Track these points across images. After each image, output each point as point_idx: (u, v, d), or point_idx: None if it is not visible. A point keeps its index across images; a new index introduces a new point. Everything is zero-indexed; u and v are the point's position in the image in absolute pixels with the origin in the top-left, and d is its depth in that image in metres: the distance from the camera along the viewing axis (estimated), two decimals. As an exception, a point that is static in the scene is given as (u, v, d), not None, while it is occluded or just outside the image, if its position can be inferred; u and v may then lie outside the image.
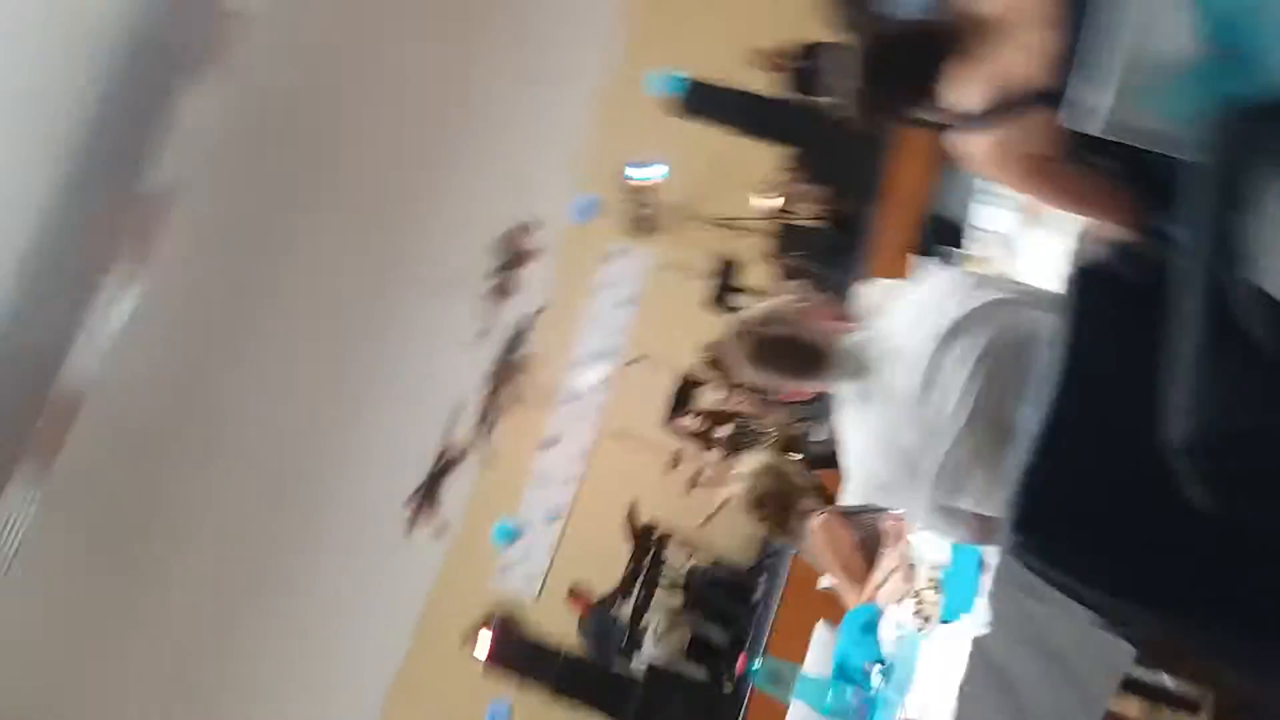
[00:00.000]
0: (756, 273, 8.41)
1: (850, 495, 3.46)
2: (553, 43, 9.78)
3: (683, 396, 7.71)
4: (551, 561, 9.22)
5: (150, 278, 7.84)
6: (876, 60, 1.92)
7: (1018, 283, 2.09)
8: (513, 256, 10.10)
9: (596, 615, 8.01)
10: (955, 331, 1.84)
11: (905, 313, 1.99)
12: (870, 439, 1.96)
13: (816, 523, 3.13)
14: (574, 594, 8.16)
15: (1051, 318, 1.74)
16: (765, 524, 3.31)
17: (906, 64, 1.88)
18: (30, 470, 7.35)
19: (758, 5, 9.49)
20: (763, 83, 8.11)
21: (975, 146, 1.78)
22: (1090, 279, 1.67)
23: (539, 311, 9.89)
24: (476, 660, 7.43)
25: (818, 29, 8.24)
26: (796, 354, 2.03)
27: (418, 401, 9.58)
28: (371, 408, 9.50)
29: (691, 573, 7.77)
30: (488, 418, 9.78)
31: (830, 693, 2.44)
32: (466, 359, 9.75)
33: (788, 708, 2.51)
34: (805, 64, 8.42)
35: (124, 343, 7.82)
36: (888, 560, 2.68)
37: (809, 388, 2.11)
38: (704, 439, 7.25)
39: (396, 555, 9.27)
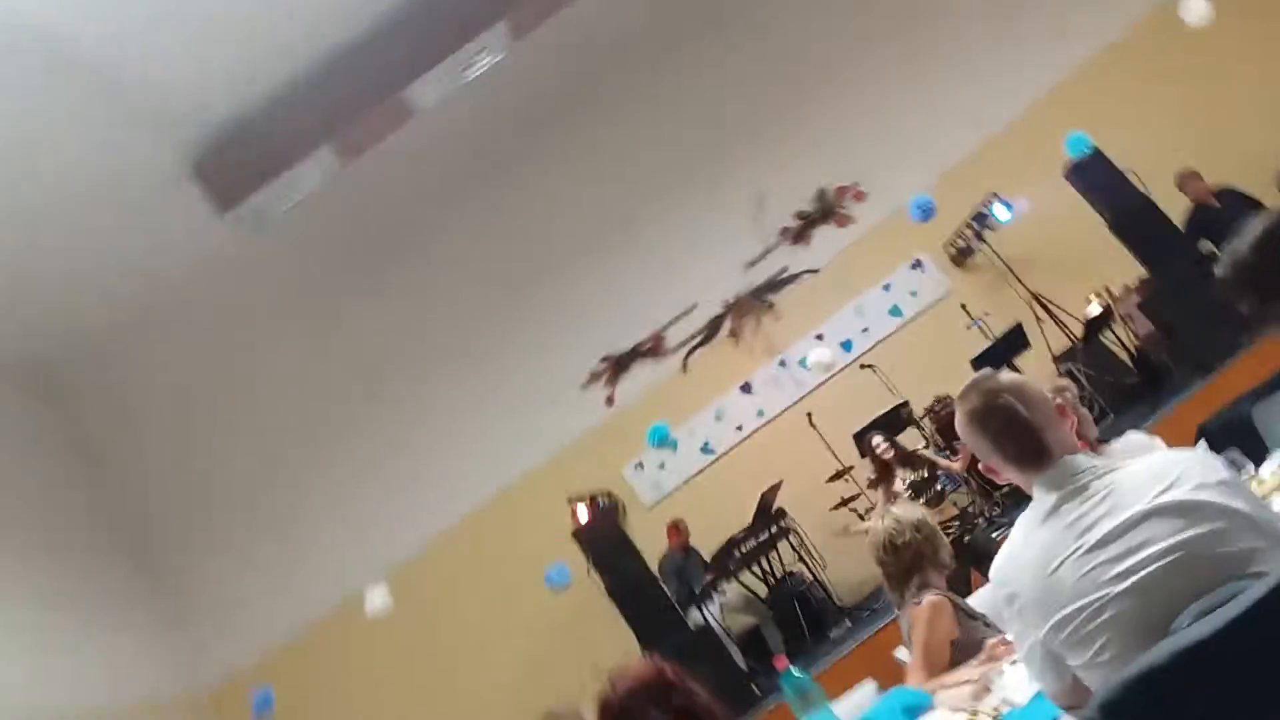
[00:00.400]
0: (1035, 361, 7.93)
1: (979, 597, 3.33)
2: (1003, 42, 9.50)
3: (890, 423, 7.48)
4: (681, 485, 9.43)
5: (518, 51, 8.28)
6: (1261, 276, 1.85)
7: (1274, 512, 1.86)
8: (824, 210, 10.00)
9: (685, 555, 8.14)
10: (1175, 507, 1.69)
11: (1151, 463, 1.84)
12: (1031, 553, 1.84)
13: (931, 599, 3.03)
14: (677, 526, 8.30)
15: (1278, 558, 1.60)
16: (885, 574, 3.23)
17: None
18: (331, 155, 7.94)
19: (1215, 132, 8.72)
20: (1164, 197, 7.45)
21: None
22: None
23: (811, 271, 9.81)
24: (566, 522, 7.72)
25: (1254, 181, 7.52)
26: (1020, 434, 1.92)
27: (668, 280, 9.83)
28: (636, 258, 9.89)
29: (789, 576, 7.69)
30: (707, 335, 9.93)
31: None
32: (727, 274, 9.88)
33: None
34: (1218, 206, 7.70)
35: (468, 92, 8.36)
36: (969, 671, 2.55)
37: (1010, 476, 1.98)
38: (884, 469, 7.06)
39: (565, 395, 9.72)
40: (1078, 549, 1.74)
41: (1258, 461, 2.80)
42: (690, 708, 1.88)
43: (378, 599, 7.72)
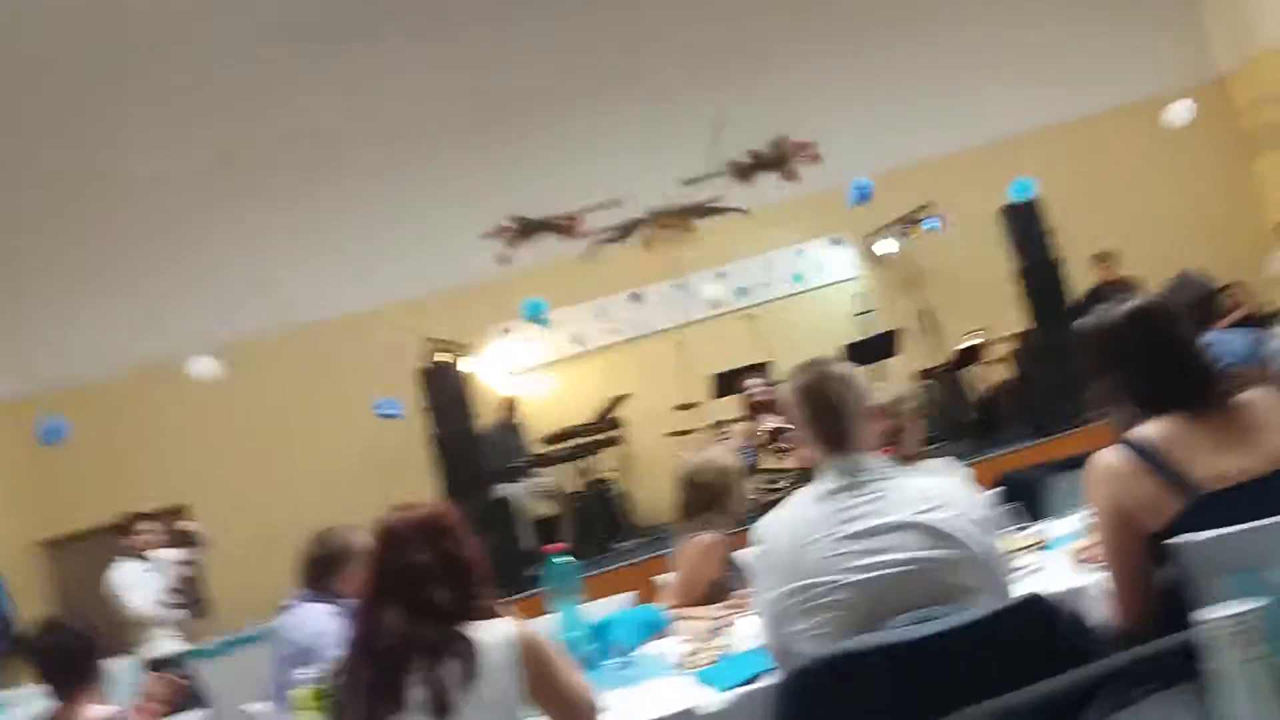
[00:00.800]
0: (899, 368, 8.24)
1: (752, 553, 3.50)
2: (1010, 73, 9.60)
3: (751, 376, 7.65)
4: (538, 365, 9.48)
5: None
6: (1113, 351, 2.00)
7: (1006, 565, 2.03)
8: (776, 158, 9.97)
9: (511, 431, 8.25)
10: (926, 528, 1.82)
11: (925, 483, 1.97)
12: (796, 522, 1.96)
13: (707, 538, 3.17)
14: (512, 402, 8.47)
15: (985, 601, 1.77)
16: (679, 502, 3.35)
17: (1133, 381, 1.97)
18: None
19: (1150, 227, 9.12)
20: (1076, 268, 7.80)
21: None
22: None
23: (740, 211, 9.83)
24: (415, 358, 7.69)
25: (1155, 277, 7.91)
26: (833, 418, 2.02)
27: (607, 165, 9.62)
28: (584, 126, 9.72)
29: (602, 481, 7.88)
30: (622, 233, 9.87)
31: (580, 631, 2.53)
32: (662, 183, 9.78)
33: (550, 610, 2.61)
34: (1109, 293, 8.09)
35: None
36: (712, 611, 2.72)
37: (808, 452, 2.09)
38: (755, 410, 7.12)
39: (462, 238, 9.51)
40: (834, 534, 1.87)
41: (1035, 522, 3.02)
42: (456, 555, 1.95)
43: (205, 368, 7.56)
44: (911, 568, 1.80)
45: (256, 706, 2.97)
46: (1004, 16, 9.84)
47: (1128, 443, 1.87)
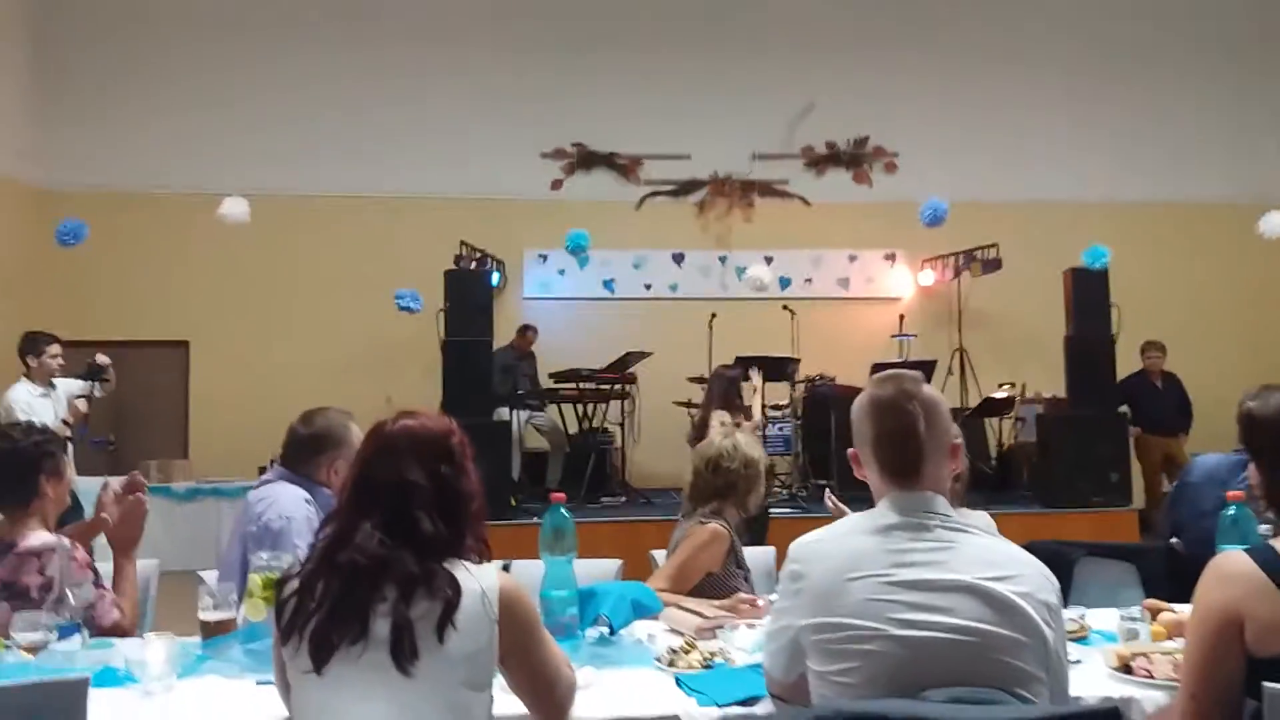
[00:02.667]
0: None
1: (756, 553, 3.33)
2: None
3: (774, 367, 7.43)
4: (565, 299, 9.28)
5: None
6: None
7: (1068, 661, 1.84)
8: (854, 157, 9.71)
9: (521, 358, 8.08)
10: (993, 597, 1.62)
11: (998, 546, 1.76)
12: (842, 551, 1.75)
13: (715, 527, 2.99)
14: (529, 330, 8.31)
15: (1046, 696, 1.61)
16: (693, 483, 3.16)
17: None
18: None
19: (1216, 329, 8.86)
20: (1127, 347, 7.56)
21: None
22: None
23: (804, 200, 9.55)
24: (447, 258, 7.51)
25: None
26: (907, 445, 1.78)
27: (689, 118, 9.41)
28: (685, 79, 9.42)
29: (603, 430, 7.71)
30: (681, 190, 9.62)
31: (567, 591, 2.35)
32: (735, 151, 9.50)
33: (539, 557, 2.42)
34: (1156, 385, 7.89)
35: None
36: (707, 608, 2.53)
37: (870, 475, 1.87)
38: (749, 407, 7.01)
39: (523, 152, 9.28)
40: (884, 576, 1.67)
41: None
42: (453, 482, 1.73)
43: (236, 208, 7.35)
44: (968, 638, 1.59)
45: (208, 574, 2.81)
46: (1119, 80, 9.54)
47: (1264, 552, 1.68)
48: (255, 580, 2.30)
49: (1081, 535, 5.92)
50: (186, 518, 7.48)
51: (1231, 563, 1.70)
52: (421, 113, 9.21)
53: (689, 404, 7.79)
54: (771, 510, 6.07)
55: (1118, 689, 2.00)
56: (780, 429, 7.44)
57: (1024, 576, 1.68)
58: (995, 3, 9.60)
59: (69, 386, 5.73)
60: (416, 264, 7.86)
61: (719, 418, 6.35)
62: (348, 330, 8.69)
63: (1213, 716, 1.66)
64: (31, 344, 5.54)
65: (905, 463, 1.79)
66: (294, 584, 1.65)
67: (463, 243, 7.98)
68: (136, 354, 7.97)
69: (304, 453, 2.86)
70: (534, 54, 9.33)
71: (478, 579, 1.64)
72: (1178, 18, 9.65)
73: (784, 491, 7.16)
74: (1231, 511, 2.35)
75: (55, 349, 5.55)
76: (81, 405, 5.69)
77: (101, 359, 5.86)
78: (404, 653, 1.54)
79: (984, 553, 1.71)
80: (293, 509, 2.74)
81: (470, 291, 7.11)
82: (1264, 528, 2.20)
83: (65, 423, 5.46)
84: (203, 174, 8.66)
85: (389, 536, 1.63)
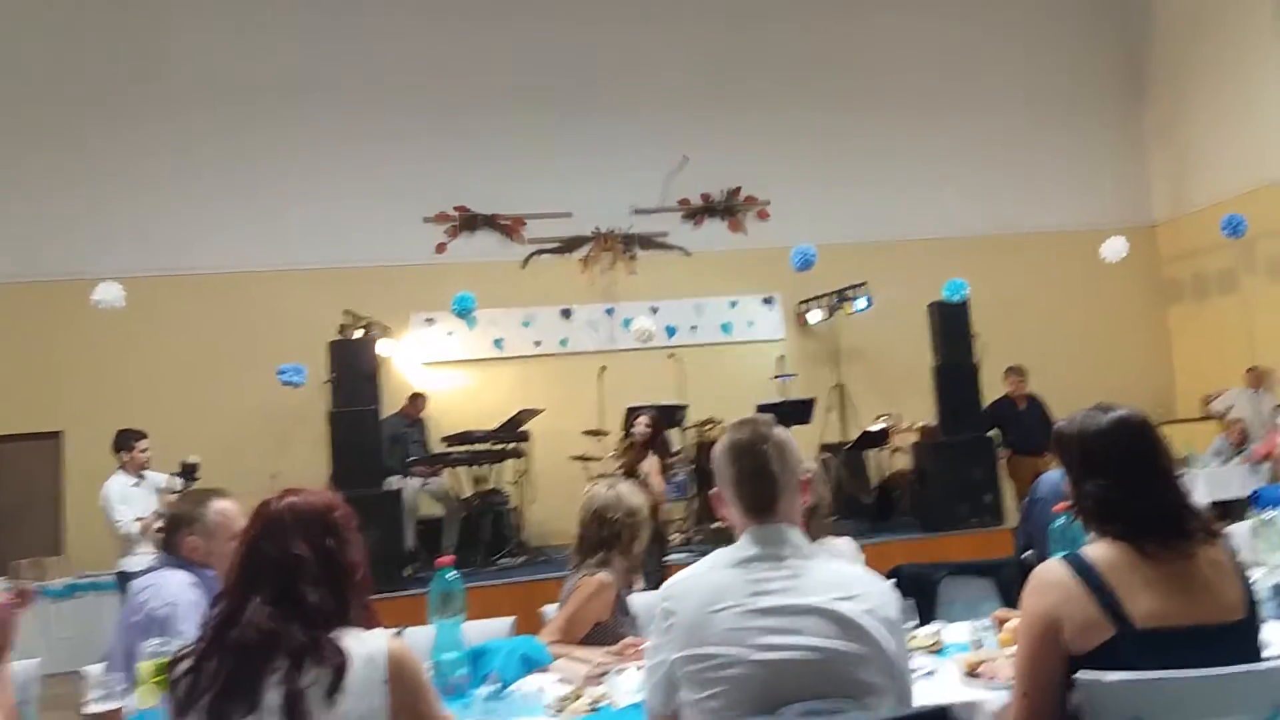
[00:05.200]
0: (803, 437, 8.33)
1: (640, 598, 3.44)
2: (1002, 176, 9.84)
3: (664, 415, 7.65)
4: (454, 361, 9.31)
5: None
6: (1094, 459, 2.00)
7: (909, 670, 2.02)
8: (727, 208, 10.07)
9: (412, 425, 8.06)
10: (839, 617, 1.79)
11: (845, 570, 1.94)
12: (707, 586, 1.90)
13: (602, 577, 3.08)
14: (418, 397, 8.27)
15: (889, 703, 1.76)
16: (579, 534, 3.25)
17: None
18: None
19: (1070, 350, 9.47)
20: (991, 374, 8.03)
21: None
22: None
23: (683, 251, 9.88)
24: (331, 328, 7.48)
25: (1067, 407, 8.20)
26: (762, 484, 1.96)
27: (566, 177, 9.68)
28: (555, 138, 9.66)
29: (496, 492, 7.73)
30: (565, 248, 9.82)
31: (456, 653, 2.42)
32: (615, 207, 9.77)
33: (429, 623, 2.50)
34: (1020, 408, 8.39)
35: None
36: (597, 655, 2.63)
37: (730, 514, 2.02)
38: (637, 451, 7.19)
39: (406, 218, 9.36)
40: (744, 606, 1.82)
41: (923, 620, 3.04)
42: (338, 554, 1.81)
43: (110, 293, 7.18)
44: (818, 655, 1.76)
45: (92, 668, 2.76)
46: (968, 127, 10.25)
47: (1074, 559, 1.87)
48: (146, 667, 2.31)
49: (961, 556, 6.23)
50: (65, 616, 7.15)
51: (1049, 571, 1.88)
52: (301, 184, 9.18)
53: (584, 458, 7.91)
54: (668, 557, 6.17)
55: (968, 693, 2.20)
56: (675, 475, 7.61)
57: (867, 595, 1.86)
58: (853, 58, 10.17)
59: (156, 479, 6.17)
60: (301, 336, 7.81)
61: (652, 464, 6.52)
62: (233, 407, 8.50)
63: (1043, 712, 1.84)
64: (123, 440, 6.04)
65: (761, 499, 1.96)
66: (186, 664, 1.71)
67: (347, 311, 7.96)
68: (7, 448, 7.62)
69: (167, 534, 2.90)
70: (412, 119, 9.44)
71: (366, 645, 1.73)
72: (1017, 70, 10.43)
73: (679, 536, 7.30)
74: (1060, 522, 2.61)
75: (144, 444, 6.06)
76: (173, 500, 5.96)
77: (193, 459, 6.29)
78: (297, 716, 1.62)
79: (832, 576, 1.88)
80: (177, 594, 2.73)
81: (356, 361, 7.09)
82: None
83: (158, 514, 5.64)
84: (74, 259, 8.41)
85: (278, 610, 1.71)
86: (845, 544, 3.25)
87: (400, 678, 1.74)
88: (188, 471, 6.23)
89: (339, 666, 1.67)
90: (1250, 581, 1.89)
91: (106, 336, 8.23)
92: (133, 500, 5.78)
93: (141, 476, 6.05)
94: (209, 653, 1.69)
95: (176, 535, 2.85)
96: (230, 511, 2.90)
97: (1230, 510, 6.58)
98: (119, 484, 5.91)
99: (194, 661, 1.70)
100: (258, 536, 1.80)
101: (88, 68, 8.98)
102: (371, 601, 1.87)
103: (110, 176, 8.86)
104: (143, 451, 6.03)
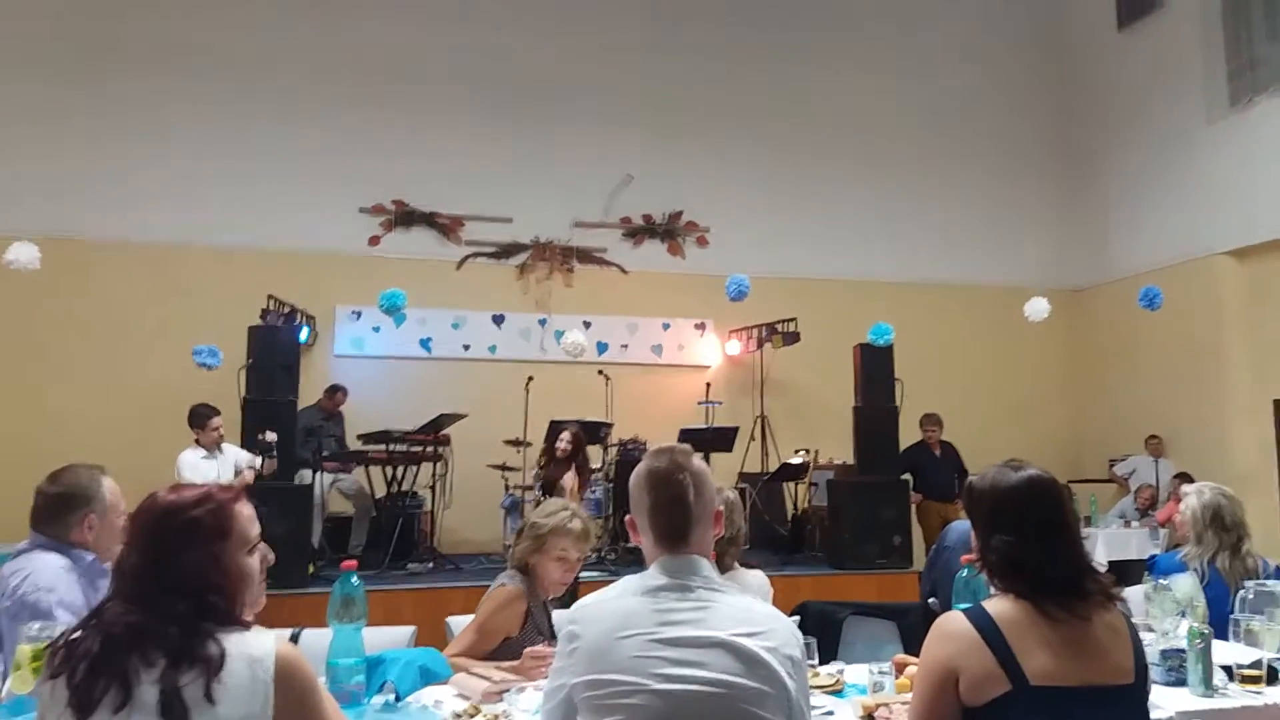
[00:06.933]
0: (724, 465, 8.38)
1: (563, 630, 3.36)
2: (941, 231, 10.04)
3: (589, 431, 7.65)
4: (378, 357, 9.14)
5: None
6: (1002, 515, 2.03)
7: (808, 709, 2.03)
8: (667, 230, 10.13)
9: (328, 419, 7.90)
10: (742, 652, 1.79)
11: (752, 606, 1.93)
12: (614, 613, 1.88)
13: (510, 589, 3.03)
14: (337, 391, 8.13)
15: None
16: (519, 541, 3.17)
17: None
18: None
19: (988, 403, 9.71)
20: (909, 419, 8.20)
21: None
22: None
23: (620, 269, 9.90)
24: (253, 312, 7.27)
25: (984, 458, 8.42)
26: (677, 514, 1.96)
27: (511, 181, 9.60)
28: (510, 142, 9.58)
29: (412, 494, 7.59)
30: (501, 253, 9.74)
31: (353, 660, 2.35)
32: (556, 218, 9.75)
33: (328, 625, 2.42)
34: (935, 454, 8.58)
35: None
36: (496, 671, 2.59)
37: (643, 541, 2.02)
38: (557, 461, 7.18)
39: (342, 207, 9.18)
40: (649, 634, 1.81)
41: (825, 658, 3.07)
42: (219, 552, 1.74)
43: (25, 253, 6.85)
44: (719, 690, 1.75)
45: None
46: (905, 179, 10.53)
47: (977, 613, 1.91)
48: (25, 651, 2.19)
49: (867, 595, 6.34)
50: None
51: (951, 622, 1.92)
52: (233, 161, 8.95)
53: (503, 466, 7.82)
54: (580, 574, 6.12)
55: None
56: (592, 492, 7.57)
57: (772, 632, 1.86)
58: (801, 102, 10.35)
59: (239, 455, 6.46)
60: (220, 317, 7.58)
61: (571, 479, 6.53)
62: (141, 384, 8.20)
63: None
64: (197, 417, 6.33)
65: (676, 529, 1.95)
66: (64, 651, 1.64)
67: (270, 296, 7.76)
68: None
69: (54, 513, 2.73)
70: (356, 110, 9.30)
71: (250, 646, 1.66)
72: (954, 131, 10.75)
73: (593, 555, 7.25)
74: (964, 574, 2.66)
75: (217, 421, 6.34)
76: (249, 476, 6.38)
77: (270, 436, 6.45)
78: (174, 715, 1.56)
79: (739, 612, 1.88)
80: (50, 579, 2.59)
81: (276, 348, 6.89)
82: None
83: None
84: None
85: (158, 607, 1.64)
86: (756, 578, 3.26)
87: (288, 681, 1.68)
88: (266, 449, 6.42)
89: (216, 664, 1.61)
90: (1142, 646, 1.94)
91: (17, 297, 7.88)
92: (202, 472, 6.09)
93: (220, 450, 6.36)
94: (85, 641, 1.64)
95: (74, 515, 2.70)
96: (117, 490, 2.79)
97: (1126, 572, 6.82)
98: (191, 456, 6.26)
99: (70, 649, 1.63)
100: (146, 533, 1.74)
101: (7, 20, 8.62)
102: (261, 599, 1.81)
103: (33, 136, 8.52)
104: (215, 429, 6.30)
